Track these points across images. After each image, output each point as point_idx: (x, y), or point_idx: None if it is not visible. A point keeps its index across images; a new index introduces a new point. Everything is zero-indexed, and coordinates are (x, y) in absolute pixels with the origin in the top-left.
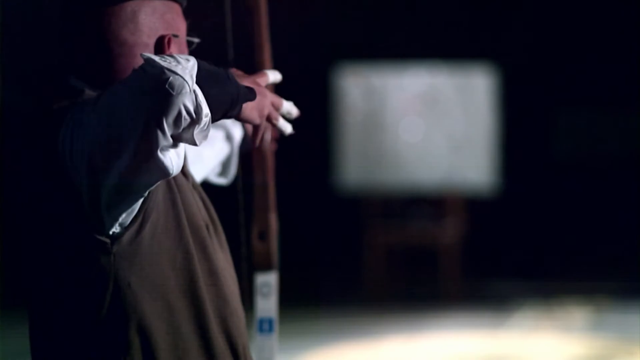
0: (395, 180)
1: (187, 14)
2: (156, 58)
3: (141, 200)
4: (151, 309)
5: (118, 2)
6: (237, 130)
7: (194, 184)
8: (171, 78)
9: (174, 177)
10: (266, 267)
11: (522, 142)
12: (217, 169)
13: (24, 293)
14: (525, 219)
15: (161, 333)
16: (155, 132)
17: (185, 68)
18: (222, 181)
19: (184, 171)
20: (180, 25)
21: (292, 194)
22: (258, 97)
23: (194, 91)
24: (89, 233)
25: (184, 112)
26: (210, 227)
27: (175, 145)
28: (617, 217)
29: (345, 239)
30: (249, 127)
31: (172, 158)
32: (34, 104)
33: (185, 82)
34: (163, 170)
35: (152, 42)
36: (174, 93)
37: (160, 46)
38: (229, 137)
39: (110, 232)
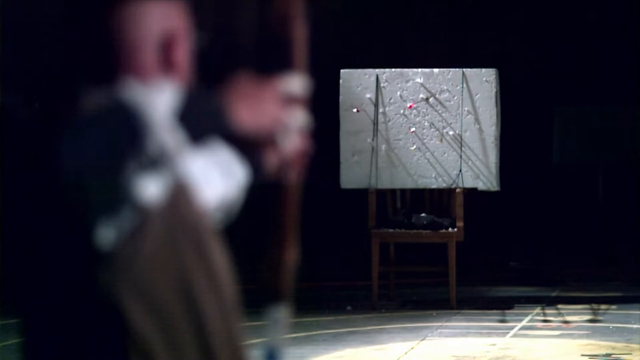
0: (397, 181)
1: (191, 13)
2: (134, 91)
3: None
4: (149, 319)
5: (122, 0)
6: (239, 173)
7: (190, 186)
8: (149, 114)
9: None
10: (277, 299)
11: (523, 143)
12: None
13: (18, 301)
14: (526, 219)
15: (160, 343)
16: (131, 166)
17: (165, 102)
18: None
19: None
20: (184, 25)
21: None
22: (255, 111)
23: (172, 127)
24: (84, 243)
25: (159, 149)
26: (209, 229)
27: (155, 174)
28: (617, 218)
29: (346, 240)
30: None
31: (151, 188)
32: (32, 106)
33: (162, 119)
34: (142, 201)
35: (155, 41)
36: (151, 130)
37: (164, 46)
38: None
39: (105, 243)
